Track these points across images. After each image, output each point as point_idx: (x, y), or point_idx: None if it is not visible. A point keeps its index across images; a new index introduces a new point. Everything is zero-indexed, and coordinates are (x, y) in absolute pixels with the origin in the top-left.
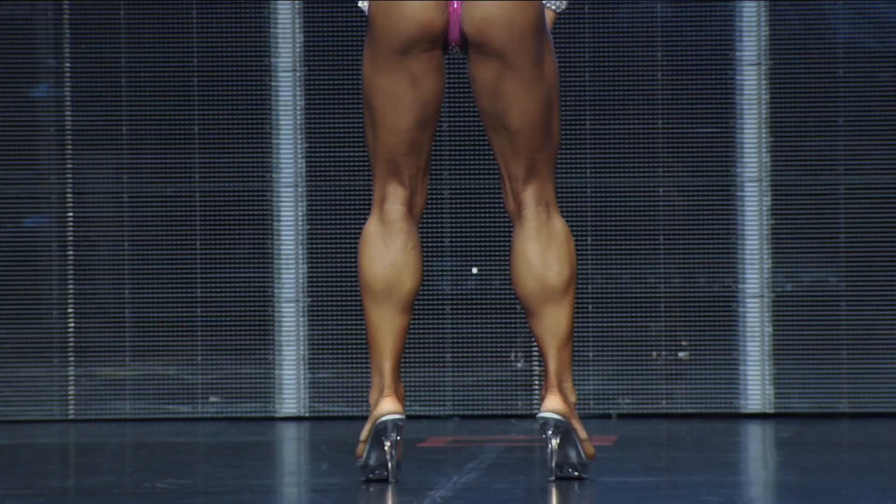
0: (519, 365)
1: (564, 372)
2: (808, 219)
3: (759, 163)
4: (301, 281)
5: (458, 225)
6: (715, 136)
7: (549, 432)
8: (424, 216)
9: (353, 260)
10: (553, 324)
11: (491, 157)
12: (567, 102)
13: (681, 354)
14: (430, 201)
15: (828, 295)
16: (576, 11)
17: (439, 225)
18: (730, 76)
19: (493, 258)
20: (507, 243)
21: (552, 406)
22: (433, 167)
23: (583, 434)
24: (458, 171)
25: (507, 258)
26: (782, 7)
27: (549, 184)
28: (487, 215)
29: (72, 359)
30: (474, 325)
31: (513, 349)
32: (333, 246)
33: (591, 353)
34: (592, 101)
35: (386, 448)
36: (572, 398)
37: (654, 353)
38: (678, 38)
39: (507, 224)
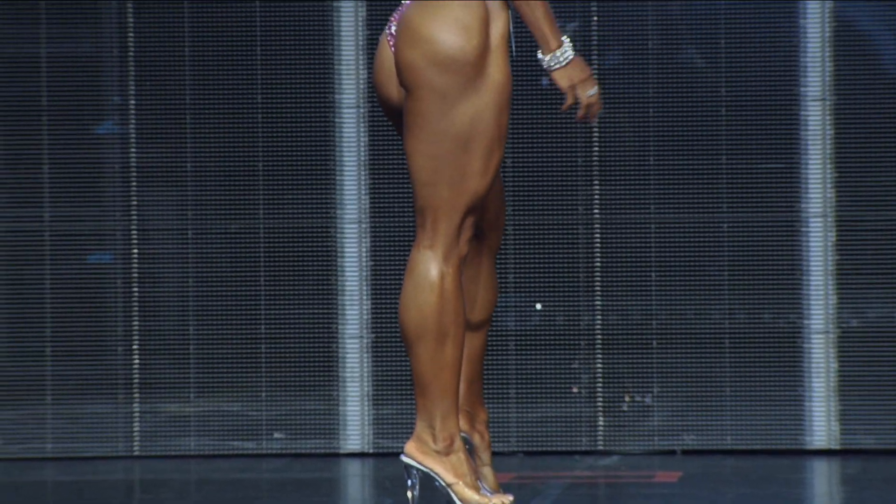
0: (583, 401)
1: (422, 414)
2: (873, 254)
3: (824, 198)
4: (365, 317)
5: (523, 261)
6: (779, 171)
7: (408, 480)
8: None
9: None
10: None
11: (553, 193)
12: (631, 138)
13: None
14: None
15: (894, 330)
16: (640, 47)
17: (503, 261)
18: (794, 112)
19: (557, 294)
20: (572, 280)
21: (406, 448)
22: None
23: (449, 479)
24: (521, 207)
25: (572, 295)
26: (846, 43)
27: (433, 225)
28: (551, 251)
29: (136, 395)
30: (538, 362)
31: (576, 385)
32: (397, 281)
33: (655, 389)
34: (656, 137)
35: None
36: (439, 444)
37: (719, 389)
38: (742, 73)
39: (571, 260)
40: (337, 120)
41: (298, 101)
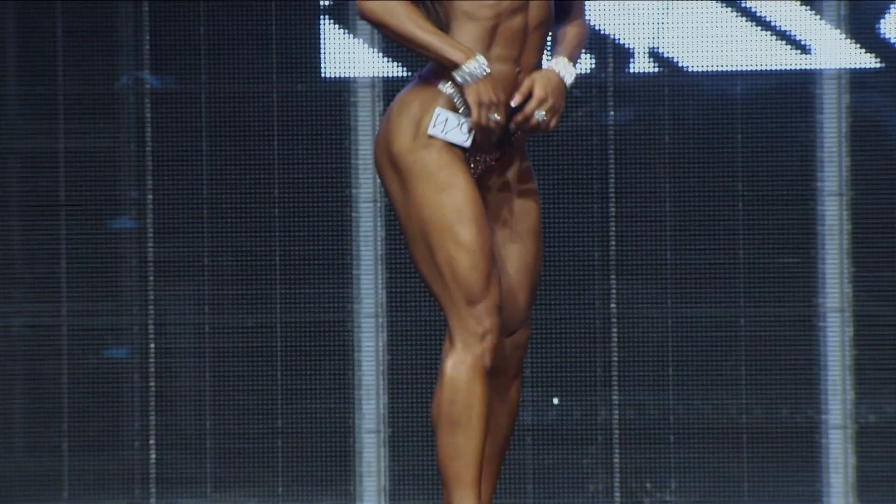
0: (601, 498)
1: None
2: (891, 349)
3: (841, 293)
4: (382, 412)
5: (539, 355)
6: (796, 266)
7: None
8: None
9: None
10: None
11: (570, 287)
12: (647, 232)
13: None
14: None
15: None
16: (657, 140)
17: None
18: (811, 206)
19: (574, 389)
20: (589, 374)
21: None
22: None
23: None
24: (538, 301)
25: (589, 389)
26: (863, 137)
27: (447, 320)
28: (568, 345)
29: (153, 490)
30: (555, 456)
31: (594, 483)
32: (414, 375)
33: (673, 484)
34: (673, 231)
35: None
36: None
37: (737, 484)
38: (758, 167)
39: (588, 354)
40: (354, 214)
41: (315, 196)
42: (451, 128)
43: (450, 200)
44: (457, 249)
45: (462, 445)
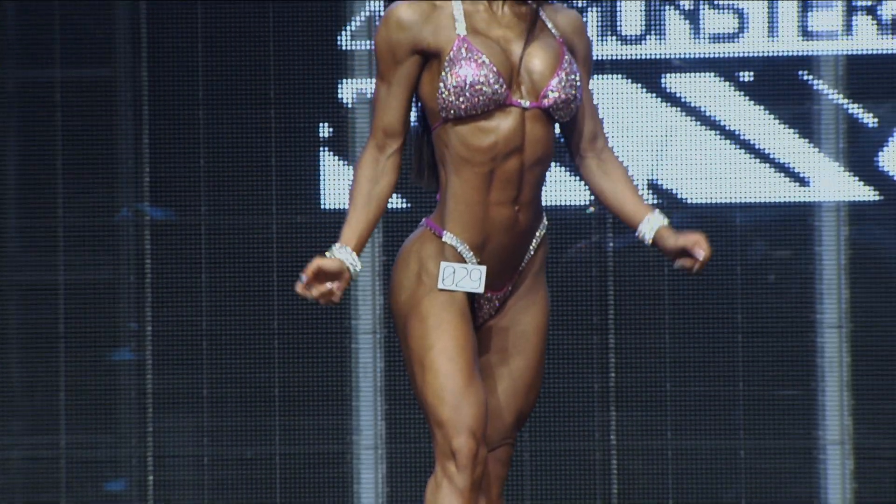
0: None
1: None
2: (892, 483)
3: (841, 425)
4: None
5: (538, 485)
6: (796, 398)
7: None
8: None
9: None
10: None
11: (570, 419)
12: (646, 364)
13: None
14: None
15: None
16: (656, 271)
17: (519, 482)
18: (810, 338)
19: None
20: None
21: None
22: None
23: None
24: (537, 432)
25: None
26: (862, 269)
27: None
28: (567, 476)
29: None
30: None
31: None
32: None
33: None
34: (672, 363)
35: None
36: None
37: None
38: (758, 299)
39: (587, 486)
40: (353, 345)
41: (315, 327)
42: (461, 278)
43: (433, 334)
44: (430, 377)
45: None
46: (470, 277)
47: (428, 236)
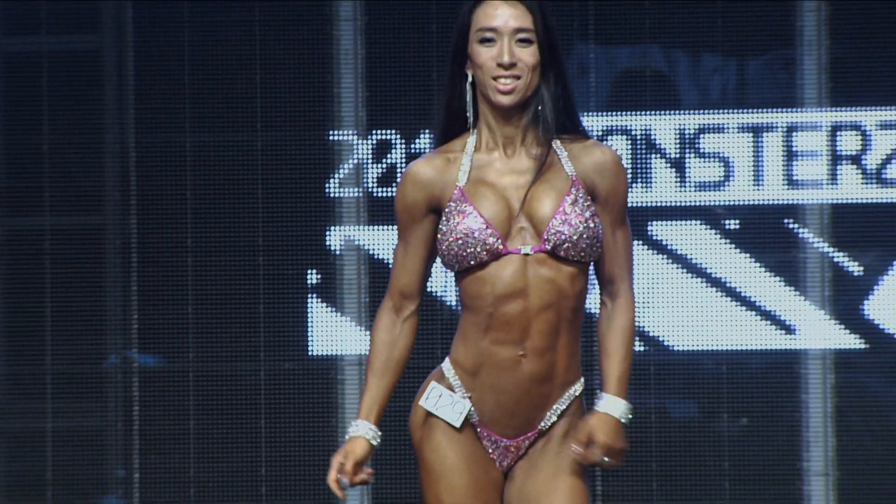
0: None
1: None
2: None
3: None
4: None
5: None
6: None
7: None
8: None
9: None
10: None
11: None
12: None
13: None
14: None
15: None
16: (644, 421)
17: None
18: (797, 486)
19: None
20: None
21: None
22: None
23: None
24: None
25: None
26: (849, 417)
27: None
28: None
29: None
30: None
31: None
32: None
33: None
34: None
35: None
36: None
37: None
38: (745, 446)
39: None
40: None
41: (302, 473)
42: (444, 405)
43: (433, 485)
44: None
45: None
46: (452, 408)
47: (439, 369)
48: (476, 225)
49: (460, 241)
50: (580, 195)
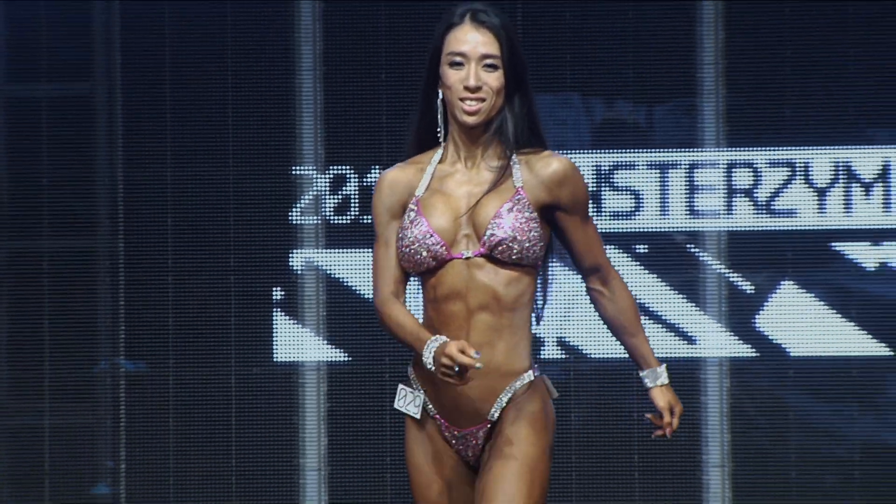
0: None
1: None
2: None
3: None
4: None
5: None
6: None
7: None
8: None
9: None
10: None
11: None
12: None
13: None
14: None
15: None
16: (564, 421)
17: None
18: (697, 476)
19: None
20: None
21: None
22: None
23: None
24: None
25: None
26: (742, 416)
27: None
28: None
29: None
30: None
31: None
32: None
33: None
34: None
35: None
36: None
37: None
38: (651, 443)
39: None
40: (301, 481)
41: (267, 467)
42: (408, 402)
43: (411, 481)
44: None
45: None
46: (414, 403)
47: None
48: (423, 233)
49: (411, 249)
50: (521, 203)
